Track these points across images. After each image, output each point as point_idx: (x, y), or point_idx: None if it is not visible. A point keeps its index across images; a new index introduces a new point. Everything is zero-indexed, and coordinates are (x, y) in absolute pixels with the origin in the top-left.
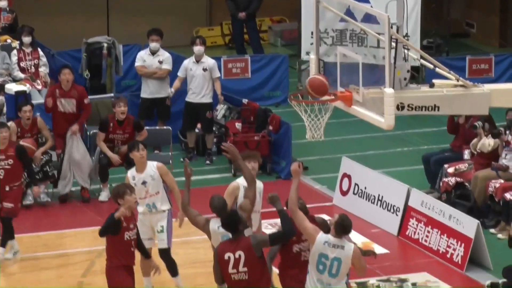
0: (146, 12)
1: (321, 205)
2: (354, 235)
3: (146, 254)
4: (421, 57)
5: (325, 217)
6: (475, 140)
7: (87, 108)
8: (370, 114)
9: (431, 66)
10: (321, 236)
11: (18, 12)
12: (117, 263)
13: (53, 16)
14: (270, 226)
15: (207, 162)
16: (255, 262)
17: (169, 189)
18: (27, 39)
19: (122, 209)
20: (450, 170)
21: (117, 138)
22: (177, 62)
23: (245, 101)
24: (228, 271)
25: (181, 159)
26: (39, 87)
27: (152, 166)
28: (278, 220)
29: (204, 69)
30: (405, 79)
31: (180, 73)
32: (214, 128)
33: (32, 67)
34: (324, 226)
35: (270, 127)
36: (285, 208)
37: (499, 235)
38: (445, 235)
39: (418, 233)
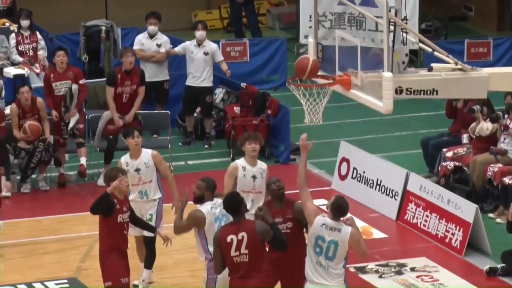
0: None
1: (319, 189)
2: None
3: (151, 228)
4: (420, 40)
5: (324, 201)
6: (473, 124)
7: (83, 88)
8: (369, 98)
9: (430, 50)
10: (319, 218)
11: None
12: (110, 247)
13: None
14: None
15: (206, 146)
16: (257, 244)
17: (161, 176)
18: (25, 23)
19: (115, 183)
20: (449, 154)
21: (125, 91)
22: (175, 46)
23: (243, 85)
24: (230, 254)
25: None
26: (38, 70)
27: (147, 154)
28: None
29: (205, 53)
30: (403, 62)
31: (177, 48)
32: (213, 112)
33: (31, 50)
34: (297, 213)
35: (269, 111)
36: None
37: (498, 220)
38: (444, 219)
39: (417, 218)
